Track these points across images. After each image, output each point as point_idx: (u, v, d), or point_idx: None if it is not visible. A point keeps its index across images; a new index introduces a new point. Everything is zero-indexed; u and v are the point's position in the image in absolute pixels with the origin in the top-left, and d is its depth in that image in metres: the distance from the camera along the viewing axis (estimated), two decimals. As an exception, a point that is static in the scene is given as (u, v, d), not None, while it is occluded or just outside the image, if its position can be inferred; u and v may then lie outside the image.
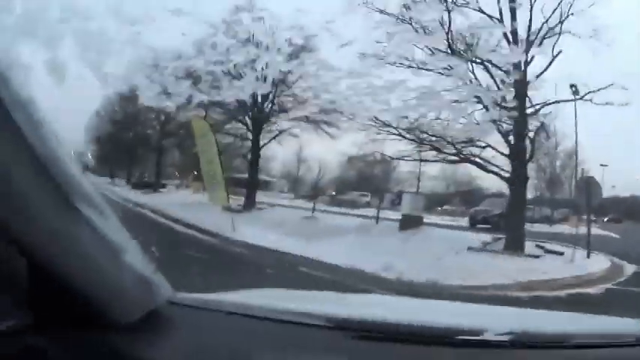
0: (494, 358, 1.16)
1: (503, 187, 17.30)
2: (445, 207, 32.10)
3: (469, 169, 22.08)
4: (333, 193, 38.82)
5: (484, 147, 16.53)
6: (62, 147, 0.91)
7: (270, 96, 25.19)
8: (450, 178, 39.87)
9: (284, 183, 49.37)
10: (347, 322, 1.23)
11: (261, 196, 26.52)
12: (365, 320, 1.25)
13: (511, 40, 15.07)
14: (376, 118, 17.96)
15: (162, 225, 17.40)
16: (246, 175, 27.99)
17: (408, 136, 17.98)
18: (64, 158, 0.90)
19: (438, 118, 17.16)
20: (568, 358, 1.18)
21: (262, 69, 23.90)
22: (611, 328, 1.57)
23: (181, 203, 22.83)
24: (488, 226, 20.43)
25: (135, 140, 43.32)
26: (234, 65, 23.67)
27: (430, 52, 16.70)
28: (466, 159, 17.16)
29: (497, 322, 1.34)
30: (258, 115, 25.19)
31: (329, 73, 20.00)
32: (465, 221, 23.38)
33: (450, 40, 15.84)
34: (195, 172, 27.46)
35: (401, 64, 17.04)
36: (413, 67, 16.97)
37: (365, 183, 42.63)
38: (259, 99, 25.00)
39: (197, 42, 22.33)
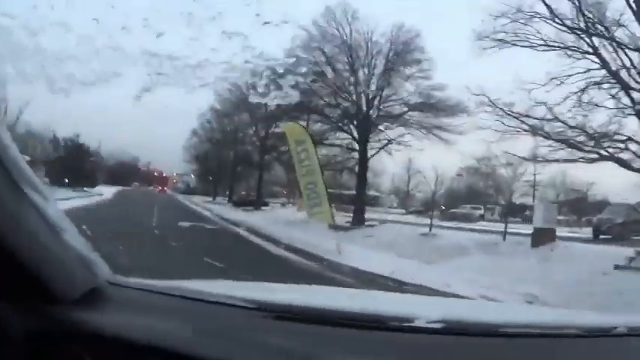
0: (423, 344, 1.15)
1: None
2: (559, 217, 30.05)
3: (579, 175, 22.87)
4: (443, 207, 35.95)
5: (624, 140, 14.18)
6: (9, 135, 0.99)
7: (376, 101, 22.94)
8: (560, 186, 35.90)
9: (392, 198, 47.07)
10: (266, 304, 1.28)
11: (370, 213, 24.50)
12: (285, 304, 1.32)
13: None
14: (503, 111, 15.32)
15: (253, 245, 15.49)
16: (351, 192, 26.36)
17: (540, 132, 15.46)
18: (12, 146, 0.98)
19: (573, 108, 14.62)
20: (498, 347, 1.17)
21: (366, 72, 23.02)
22: (549, 319, 1.55)
23: (284, 221, 21.21)
24: (609, 236, 18.42)
25: (235, 157, 42.93)
26: (334, 69, 22.92)
27: (559, 29, 14.46)
28: (610, 156, 14.48)
29: (431, 310, 1.32)
30: (364, 122, 22.67)
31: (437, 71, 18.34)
32: (583, 232, 21.60)
33: (580, 16, 13.91)
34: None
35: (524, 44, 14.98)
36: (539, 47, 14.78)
37: (476, 195, 39.43)
38: (364, 105, 22.66)
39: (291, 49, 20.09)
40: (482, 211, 37.06)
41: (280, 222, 20.79)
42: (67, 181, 34.67)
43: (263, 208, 34.12)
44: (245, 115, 34.32)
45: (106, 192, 37.21)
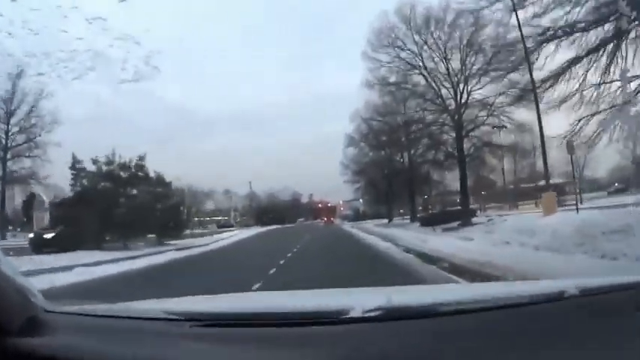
0: (358, 333, 1.14)
1: None
2: None
3: None
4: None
5: None
6: None
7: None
8: None
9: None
10: (198, 314, 1.30)
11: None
12: (216, 312, 1.39)
13: None
14: None
15: None
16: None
17: None
18: None
19: None
20: (436, 327, 1.16)
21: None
22: (499, 292, 1.53)
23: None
24: None
25: (410, 164, 35.68)
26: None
27: None
28: None
29: (371, 300, 1.27)
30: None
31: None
32: None
33: None
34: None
35: None
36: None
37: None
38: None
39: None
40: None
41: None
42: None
43: (475, 222, 22.01)
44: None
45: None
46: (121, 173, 23.29)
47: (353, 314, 1.17)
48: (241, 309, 1.46)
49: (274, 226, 63.85)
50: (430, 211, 39.58)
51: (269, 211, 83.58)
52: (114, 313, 1.35)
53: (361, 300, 1.34)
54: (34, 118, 34.54)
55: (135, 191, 23.02)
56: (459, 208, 27.99)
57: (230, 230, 52.87)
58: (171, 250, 20.53)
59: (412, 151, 34.41)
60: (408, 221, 37.62)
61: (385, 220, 50.51)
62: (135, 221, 21.40)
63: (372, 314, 1.17)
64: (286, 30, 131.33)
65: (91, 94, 71.99)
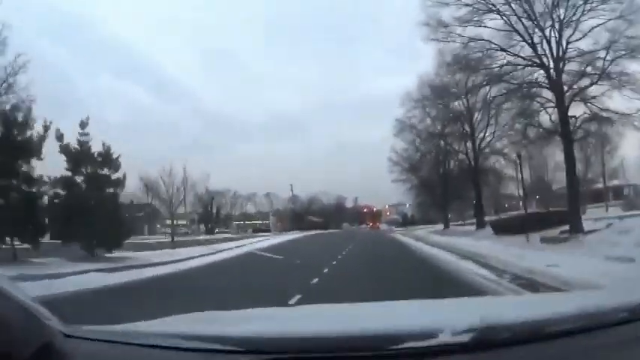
0: None
1: None
2: None
3: None
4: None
5: None
6: None
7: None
8: None
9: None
10: (255, 342, 1.10)
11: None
12: (257, 337, 1.13)
13: None
14: None
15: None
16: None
17: None
18: None
19: None
20: (549, 352, 1.03)
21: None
22: (587, 306, 1.25)
23: None
24: None
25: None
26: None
27: None
28: None
29: (455, 318, 1.11)
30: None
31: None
32: None
33: None
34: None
35: None
36: None
37: None
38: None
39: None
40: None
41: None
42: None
43: (585, 235, 15.33)
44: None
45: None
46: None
47: (443, 339, 0.98)
48: (308, 332, 1.14)
49: (315, 232, 58.73)
50: (499, 216, 32.66)
51: (311, 214, 79.52)
52: (148, 340, 1.13)
53: (445, 319, 1.14)
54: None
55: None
56: (548, 210, 21.24)
57: (262, 235, 48.05)
58: (90, 270, 12.37)
59: (480, 137, 28.03)
60: (472, 228, 31.00)
61: (438, 227, 43.95)
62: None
63: (465, 338, 0.98)
64: (325, 28, 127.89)
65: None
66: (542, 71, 17.20)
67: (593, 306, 1.26)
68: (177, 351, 1.07)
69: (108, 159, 17.99)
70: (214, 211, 63.04)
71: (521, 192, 30.89)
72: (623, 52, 15.87)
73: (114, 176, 18.22)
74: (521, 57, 17.27)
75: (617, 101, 16.64)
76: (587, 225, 15.96)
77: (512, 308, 1.63)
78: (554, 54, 16.45)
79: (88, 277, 11.03)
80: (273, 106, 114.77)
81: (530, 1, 16.63)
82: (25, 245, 15.56)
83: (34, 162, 15.98)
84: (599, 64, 16.19)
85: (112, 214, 17.24)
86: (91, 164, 17.73)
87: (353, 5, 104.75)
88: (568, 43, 16.43)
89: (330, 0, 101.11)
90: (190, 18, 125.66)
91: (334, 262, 14.29)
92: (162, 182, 40.49)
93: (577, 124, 16.91)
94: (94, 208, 16.29)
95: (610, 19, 16.00)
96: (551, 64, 16.55)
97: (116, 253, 17.21)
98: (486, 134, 28.97)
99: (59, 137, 17.30)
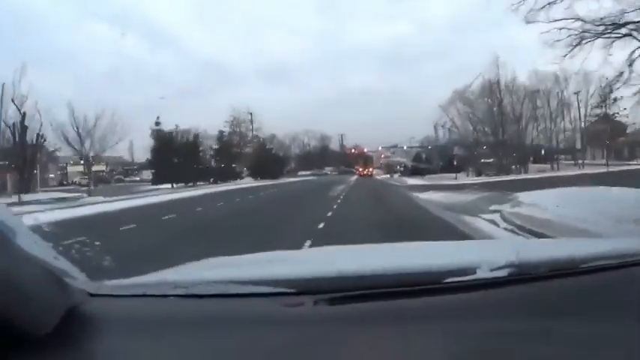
0: (496, 298, 0.97)
1: None
2: None
3: None
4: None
5: None
6: None
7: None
8: None
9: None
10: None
11: None
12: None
13: None
14: None
15: None
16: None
17: None
18: None
19: None
20: (575, 285, 1.03)
21: None
22: (618, 249, 1.27)
23: None
24: None
25: None
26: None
27: None
28: None
29: (487, 256, 1.10)
30: None
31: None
32: None
33: None
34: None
35: None
36: None
37: None
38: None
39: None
40: None
41: None
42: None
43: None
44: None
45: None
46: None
47: (481, 274, 1.00)
48: (365, 270, 1.06)
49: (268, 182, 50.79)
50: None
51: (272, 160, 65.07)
52: (188, 290, 1.02)
53: (481, 257, 1.12)
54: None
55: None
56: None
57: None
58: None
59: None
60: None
61: (461, 179, 32.46)
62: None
63: (502, 273, 1.00)
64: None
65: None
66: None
67: (626, 247, 1.27)
68: (225, 298, 1.00)
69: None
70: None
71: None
72: None
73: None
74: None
75: None
76: None
77: (547, 247, 1.68)
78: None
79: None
80: (262, 52, 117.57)
81: None
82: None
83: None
84: None
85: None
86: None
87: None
88: None
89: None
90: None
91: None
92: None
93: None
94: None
95: None
96: None
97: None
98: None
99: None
